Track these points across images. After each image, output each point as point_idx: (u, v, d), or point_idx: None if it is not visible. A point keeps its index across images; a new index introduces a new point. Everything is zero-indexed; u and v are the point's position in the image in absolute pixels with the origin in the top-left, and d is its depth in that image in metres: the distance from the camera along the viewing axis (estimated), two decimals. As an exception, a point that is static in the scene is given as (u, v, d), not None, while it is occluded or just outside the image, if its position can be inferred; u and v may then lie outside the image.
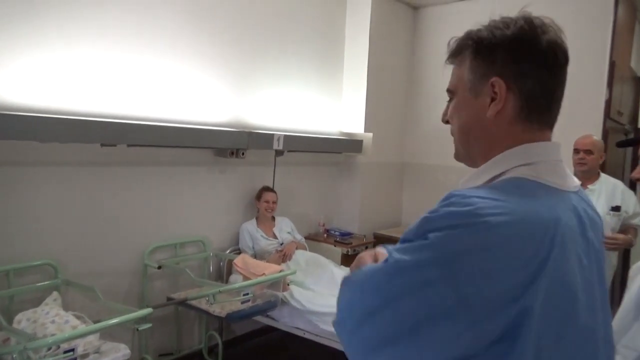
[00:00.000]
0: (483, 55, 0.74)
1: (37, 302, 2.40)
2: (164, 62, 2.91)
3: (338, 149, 4.09)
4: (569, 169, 0.76)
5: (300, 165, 3.99)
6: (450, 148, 0.83)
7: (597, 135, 3.45)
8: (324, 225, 4.14)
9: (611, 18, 3.51)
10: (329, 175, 4.28)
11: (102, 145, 2.56)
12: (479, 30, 0.76)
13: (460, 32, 0.80)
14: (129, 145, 2.68)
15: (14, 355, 1.91)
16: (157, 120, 2.85)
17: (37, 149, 2.39)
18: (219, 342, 3.09)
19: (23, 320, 2.21)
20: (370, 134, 4.11)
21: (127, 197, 2.84)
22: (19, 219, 2.41)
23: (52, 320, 2.20)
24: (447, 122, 0.82)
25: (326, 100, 4.13)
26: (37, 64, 2.37)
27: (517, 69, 0.72)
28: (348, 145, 4.08)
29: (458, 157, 0.83)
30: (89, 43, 2.55)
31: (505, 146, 0.73)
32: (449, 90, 0.81)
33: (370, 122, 4.18)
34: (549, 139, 0.75)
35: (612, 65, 3.55)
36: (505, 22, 0.73)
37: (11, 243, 2.39)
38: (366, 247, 3.93)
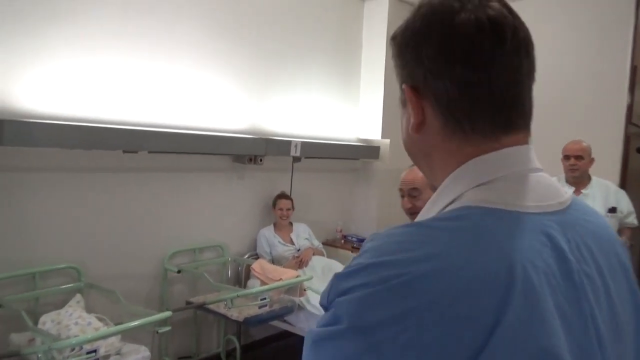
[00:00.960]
0: (396, 56, 0.60)
1: (60, 304, 2.47)
2: (184, 71, 2.98)
3: (355, 156, 4.11)
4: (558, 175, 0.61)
5: (318, 171, 4.01)
6: None
7: (619, 141, 3.40)
8: (341, 231, 4.15)
9: (632, 21, 3.46)
10: (346, 181, 4.30)
11: (124, 151, 2.64)
12: (400, 26, 0.61)
13: None
14: (150, 152, 2.75)
15: (39, 355, 1.98)
16: (177, 127, 2.91)
17: (61, 155, 2.48)
18: (237, 346, 3.13)
19: (47, 322, 2.28)
20: (388, 141, 4.11)
21: (148, 202, 2.91)
22: (44, 223, 2.49)
23: (75, 322, 2.27)
24: None
25: (343, 107, 4.16)
26: (61, 72, 2.45)
27: (426, 68, 0.55)
28: (365, 152, 4.10)
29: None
30: (113, 52, 2.63)
31: (456, 164, 0.56)
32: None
33: (387, 128, 4.18)
34: (512, 144, 0.55)
35: (634, 69, 3.49)
36: (418, 6, 0.58)
37: (36, 247, 2.47)
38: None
